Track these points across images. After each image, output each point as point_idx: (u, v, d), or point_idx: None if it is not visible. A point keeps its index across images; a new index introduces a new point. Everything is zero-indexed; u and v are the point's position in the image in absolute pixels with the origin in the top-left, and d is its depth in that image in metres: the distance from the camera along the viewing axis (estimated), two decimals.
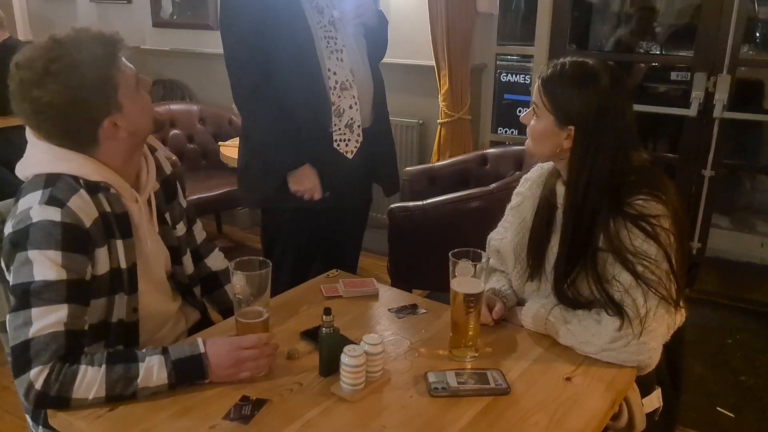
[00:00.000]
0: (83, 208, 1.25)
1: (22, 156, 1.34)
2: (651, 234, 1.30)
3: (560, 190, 1.46)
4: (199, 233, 1.65)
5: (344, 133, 2.07)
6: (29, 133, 1.34)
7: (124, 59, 1.31)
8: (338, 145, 2.08)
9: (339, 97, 2.04)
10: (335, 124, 2.05)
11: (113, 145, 1.32)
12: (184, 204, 1.59)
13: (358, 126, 2.08)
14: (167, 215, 1.50)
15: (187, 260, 1.56)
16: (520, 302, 1.54)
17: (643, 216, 1.31)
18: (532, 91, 1.43)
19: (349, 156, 2.10)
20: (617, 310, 1.32)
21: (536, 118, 1.41)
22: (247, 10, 1.98)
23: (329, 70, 2.02)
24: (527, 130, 1.45)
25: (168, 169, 1.54)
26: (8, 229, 1.23)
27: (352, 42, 2.08)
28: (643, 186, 1.35)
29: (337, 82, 2.03)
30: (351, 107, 2.06)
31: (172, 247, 1.51)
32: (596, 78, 1.35)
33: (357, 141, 2.09)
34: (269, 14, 1.98)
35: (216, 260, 1.68)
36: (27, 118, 1.27)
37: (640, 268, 1.30)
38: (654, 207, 1.32)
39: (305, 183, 2.06)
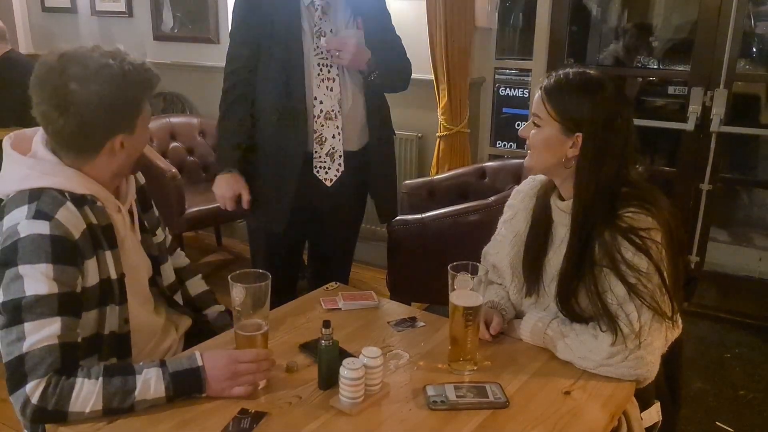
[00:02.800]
0: (71, 220, 1.25)
1: None
2: (641, 247, 1.30)
3: (556, 204, 1.46)
4: (167, 237, 1.66)
5: (324, 161, 2.07)
6: (7, 148, 1.33)
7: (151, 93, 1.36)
8: (317, 171, 2.08)
9: (322, 125, 2.03)
10: (316, 152, 2.06)
11: (108, 161, 1.33)
12: (156, 212, 1.61)
13: (340, 156, 2.07)
14: (146, 223, 1.51)
15: (168, 268, 1.57)
16: (519, 315, 1.54)
17: (633, 228, 1.31)
18: (531, 103, 1.43)
19: (328, 183, 2.09)
20: (612, 324, 1.32)
21: (537, 129, 1.40)
22: (250, 22, 2.04)
23: (315, 98, 2.02)
24: (528, 143, 1.44)
25: (141, 179, 1.56)
26: None
27: (347, 74, 2.06)
28: (634, 198, 1.35)
29: (322, 111, 2.02)
30: (334, 137, 2.05)
31: (153, 256, 1.52)
32: (602, 86, 1.36)
33: (338, 170, 2.09)
34: (265, 29, 2.00)
35: (178, 259, 1.70)
36: (49, 107, 1.26)
37: (632, 281, 1.31)
38: (643, 220, 1.32)
39: (217, 189, 2.12)
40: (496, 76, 3.65)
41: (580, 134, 1.35)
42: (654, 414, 1.46)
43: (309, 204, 2.13)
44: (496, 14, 3.48)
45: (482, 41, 3.49)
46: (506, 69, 3.70)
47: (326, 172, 2.08)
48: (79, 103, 1.25)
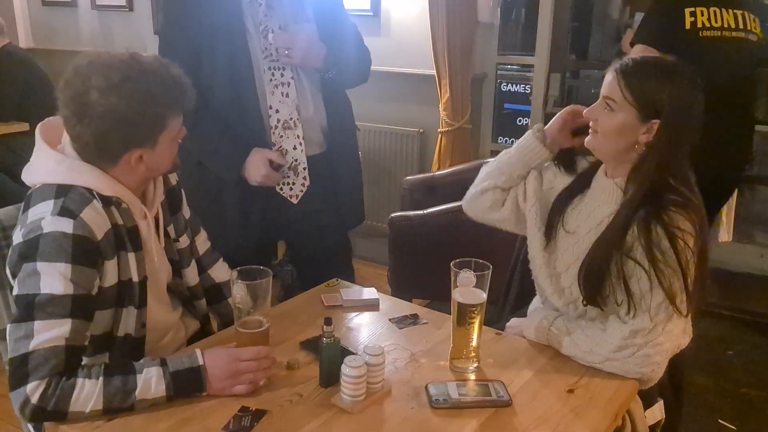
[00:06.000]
0: (95, 219, 1.24)
1: (22, 162, 1.33)
2: (674, 246, 1.28)
3: (600, 176, 1.45)
4: (202, 244, 1.63)
5: (288, 176, 1.88)
6: (39, 139, 1.32)
7: (183, 110, 1.33)
8: (281, 189, 1.89)
9: (281, 137, 1.84)
10: None
11: (127, 171, 1.32)
12: (188, 214, 1.58)
13: (304, 168, 1.87)
14: (171, 228, 1.49)
15: (190, 272, 1.55)
16: (520, 315, 1.53)
17: (672, 226, 1.29)
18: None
19: (294, 201, 1.90)
20: (630, 310, 1.32)
21: (610, 113, 1.36)
22: (183, 23, 1.81)
23: (271, 107, 1.82)
24: (593, 125, 1.40)
25: (174, 179, 1.53)
26: (18, 238, 1.22)
27: (301, 74, 1.86)
28: (679, 194, 1.33)
29: (279, 120, 1.83)
30: (295, 148, 1.86)
31: (173, 260, 1.51)
32: (682, 72, 1.34)
33: (303, 185, 1.89)
34: (206, 35, 1.77)
35: (219, 271, 1.66)
36: (69, 112, 1.25)
37: (658, 276, 1.29)
38: (683, 221, 1.30)
39: (251, 176, 1.80)
40: (498, 72, 3.63)
41: (657, 121, 1.32)
42: (657, 412, 1.46)
43: (275, 225, 1.95)
44: (499, 9, 3.46)
45: (484, 37, 3.47)
46: (508, 65, 3.69)
47: (290, 188, 1.89)
48: (95, 115, 1.23)
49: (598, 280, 1.36)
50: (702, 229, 1.33)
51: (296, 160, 1.87)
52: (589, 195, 1.47)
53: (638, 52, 2.25)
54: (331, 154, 1.96)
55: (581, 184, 1.49)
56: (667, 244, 1.29)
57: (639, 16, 2.69)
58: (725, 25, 2.29)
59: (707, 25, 2.27)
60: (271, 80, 1.81)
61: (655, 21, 2.34)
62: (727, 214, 2.85)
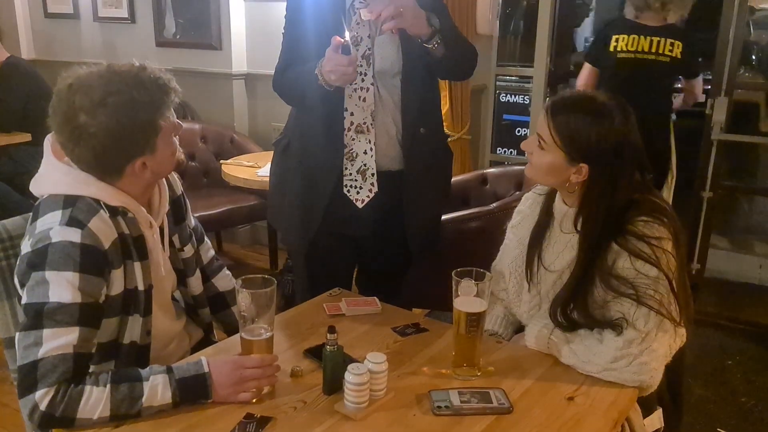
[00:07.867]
0: (103, 229, 1.26)
1: (24, 172, 1.36)
2: (650, 255, 1.31)
3: (560, 208, 1.48)
4: (206, 252, 1.66)
5: (355, 179, 1.86)
6: (47, 151, 1.34)
7: (172, 107, 1.34)
8: (348, 191, 1.87)
9: (353, 139, 1.83)
10: (346, 168, 1.85)
11: (133, 181, 1.34)
12: (192, 224, 1.60)
13: (372, 174, 1.85)
14: (175, 237, 1.51)
15: (195, 281, 1.57)
16: (518, 330, 1.56)
17: (644, 236, 1.32)
18: (536, 121, 1.42)
19: (359, 205, 1.87)
20: (616, 330, 1.34)
21: (541, 151, 1.39)
22: (295, 30, 1.88)
23: (346, 109, 1.82)
24: (531, 158, 1.44)
25: (179, 189, 1.55)
26: (26, 248, 1.24)
27: (380, 84, 1.83)
28: (645, 206, 1.36)
29: (352, 123, 1.83)
30: (365, 152, 1.84)
31: (178, 270, 1.52)
32: (610, 115, 1.33)
33: (370, 190, 1.86)
34: (309, 37, 1.83)
35: (223, 280, 1.68)
36: (64, 138, 1.28)
37: (641, 289, 1.31)
38: (656, 229, 1.33)
39: (329, 72, 1.68)
40: (497, 83, 3.66)
41: (585, 165, 1.35)
42: (656, 420, 1.47)
43: (339, 228, 1.92)
44: (497, 21, 3.50)
45: (483, 48, 3.49)
46: (507, 76, 3.72)
47: (357, 192, 1.87)
48: (89, 136, 1.25)
49: (578, 320, 1.40)
50: (678, 232, 1.35)
51: (365, 165, 1.86)
52: (556, 226, 1.49)
53: (585, 69, 3.19)
54: (406, 172, 1.90)
55: (546, 217, 1.52)
56: (642, 261, 1.31)
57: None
58: (639, 49, 3.02)
59: (624, 48, 3.04)
60: (351, 84, 1.80)
61: (594, 45, 3.25)
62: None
